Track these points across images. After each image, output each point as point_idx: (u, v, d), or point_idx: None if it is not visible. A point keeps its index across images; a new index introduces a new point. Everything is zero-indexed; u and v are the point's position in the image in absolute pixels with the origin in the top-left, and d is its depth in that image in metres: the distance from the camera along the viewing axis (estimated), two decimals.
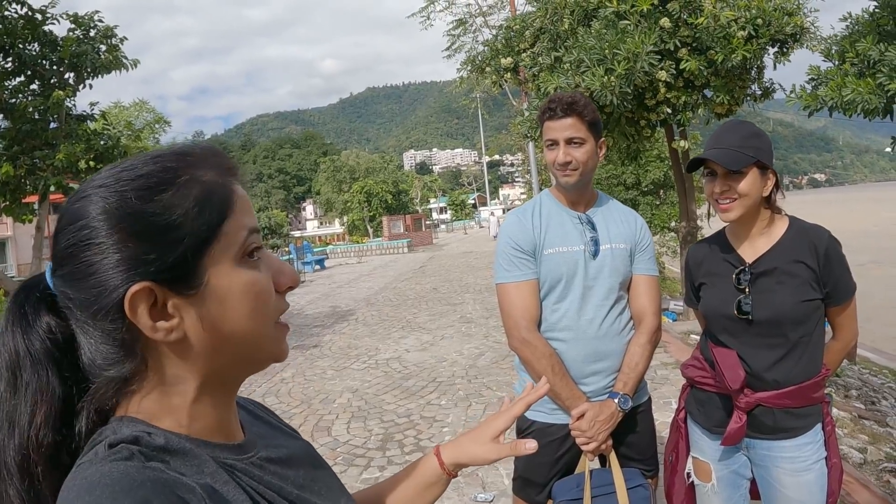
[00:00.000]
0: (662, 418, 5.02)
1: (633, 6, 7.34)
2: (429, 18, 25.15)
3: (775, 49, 7.58)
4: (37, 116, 9.57)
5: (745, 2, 7.04)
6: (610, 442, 2.58)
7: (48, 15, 9.30)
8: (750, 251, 2.43)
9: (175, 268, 0.80)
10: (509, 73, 10.16)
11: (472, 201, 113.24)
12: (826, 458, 2.42)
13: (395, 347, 10.28)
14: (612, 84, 7.00)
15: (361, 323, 12.92)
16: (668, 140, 9.72)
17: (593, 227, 2.68)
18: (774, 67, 7.75)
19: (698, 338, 2.71)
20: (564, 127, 2.57)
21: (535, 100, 9.17)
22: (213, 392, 0.89)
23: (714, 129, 2.43)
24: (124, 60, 10.08)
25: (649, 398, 2.85)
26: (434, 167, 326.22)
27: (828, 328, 2.51)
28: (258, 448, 0.95)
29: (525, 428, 2.76)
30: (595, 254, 2.64)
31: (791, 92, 6.33)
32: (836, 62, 6.09)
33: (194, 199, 0.82)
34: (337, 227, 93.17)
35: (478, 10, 25.17)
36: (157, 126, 37.37)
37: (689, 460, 2.68)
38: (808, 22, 7.26)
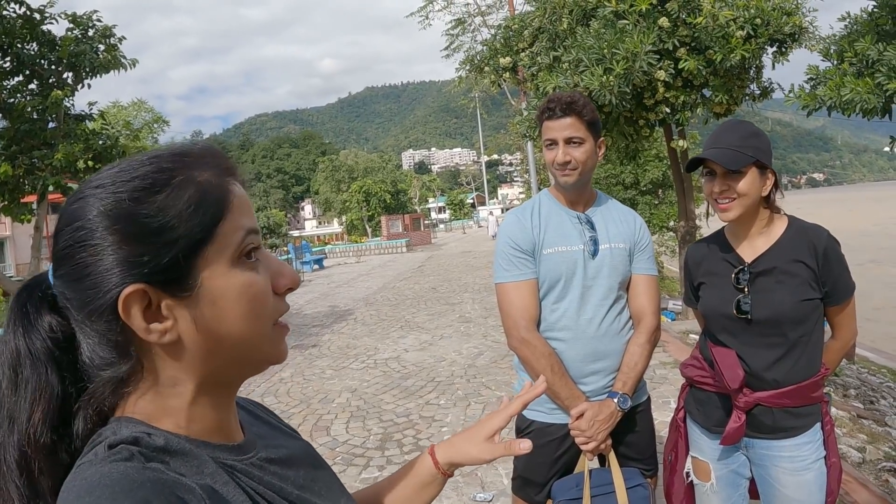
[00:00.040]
0: (661, 418, 5.02)
1: (631, 6, 7.34)
2: (427, 18, 25.14)
3: (774, 49, 7.59)
4: (35, 116, 9.56)
5: (744, 1, 7.05)
6: (609, 441, 2.58)
7: (47, 14, 9.29)
8: (749, 251, 2.43)
9: (168, 270, 0.80)
10: (508, 73, 10.17)
11: (471, 201, 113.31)
12: (825, 457, 2.42)
13: (393, 347, 10.28)
14: (611, 84, 7.00)
15: (360, 322, 12.92)
16: (666, 139, 9.73)
17: (592, 227, 2.68)
18: (773, 67, 7.75)
19: (697, 337, 2.72)
20: (563, 126, 2.57)
21: (533, 99, 9.16)
22: (212, 393, 0.88)
23: (713, 129, 2.43)
24: (123, 60, 10.07)
25: (648, 398, 2.85)
26: (433, 167, 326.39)
27: (827, 327, 2.51)
28: (258, 449, 0.95)
29: (524, 427, 2.76)
30: (594, 253, 2.64)
31: (790, 92, 6.33)
32: (835, 62, 6.09)
33: (188, 200, 0.82)
34: (335, 227, 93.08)
35: (476, 10, 25.16)
36: (155, 126, 37.38)
37: (689, 460, 2.69)
38: (807, 21, 7.27)
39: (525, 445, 1.22)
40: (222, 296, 0.83)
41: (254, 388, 8.17)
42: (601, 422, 2.52)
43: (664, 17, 7.24)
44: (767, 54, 7.64)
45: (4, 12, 8.89)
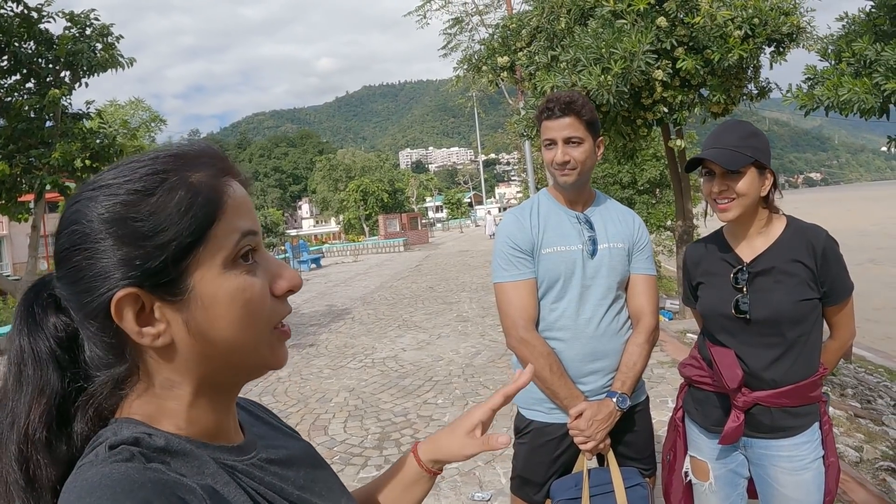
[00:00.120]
0: (659, 417, 5.03)
1: (629, 5, 7.36)
2: (425, 17, 25.16)
3: (772, 48, 7.61)
4: (32, 115, 9.54)
5: (742, 1, 7.06)
6: (608, 441, 2.59)
7: (44, 13, 9.27)
8: (748, 250, 2.43)
9: (160, 273, 0.79)
10: (506, 72, 10.18)
11: (468, 200, 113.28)
12: (823, 456, 2.42)
13: (391, 346, 10.27)
14: (609, 83, 7.01)
15: (358, 322, 12.92)
16: (664, 139, 9.74)
17: (591, 227, 2.68)
18: (771, 67, 7.77)
19: (695, 336, 2.73)
20: (562, 126, 2.57)
21: (531, 99, 9.18)
22: (211, 396, 0.88)
23: (710, 129, 2.44)
24: (120, 59, 10.05)
25: (647, 397, 2.85)
26: (430, 166, 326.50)
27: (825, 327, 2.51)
28: (258, 449, 0.95)
29: (523, 427, 2.76)
30: (593, 253, 2.64)
31: (787, 91, 6.34)
32: (833, 62, 6.10)
33: (178, 202, 0.81)
34: (333, 226, 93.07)
35: (474, 9, 25.18)
36: (153, 125, 37.32)
37: (687, 459, 2.69)
38: (805, 21, 7.28)
39: (503, 440, 1.18)
40: (215, 300, 0.83)
41: (251, 388, 8.16)
42: (600, 421, 2.52)
43: (662, 17, 7.25)
44: (765, 54, 7.66)
45: (2, 11, 8.87)
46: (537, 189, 22.66)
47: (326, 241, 60.70)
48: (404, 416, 6.67)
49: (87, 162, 9.77)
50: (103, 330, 0.81)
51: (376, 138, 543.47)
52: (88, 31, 9.78)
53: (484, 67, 10.48)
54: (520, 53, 9.34)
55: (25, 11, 9.08)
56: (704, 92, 8.22)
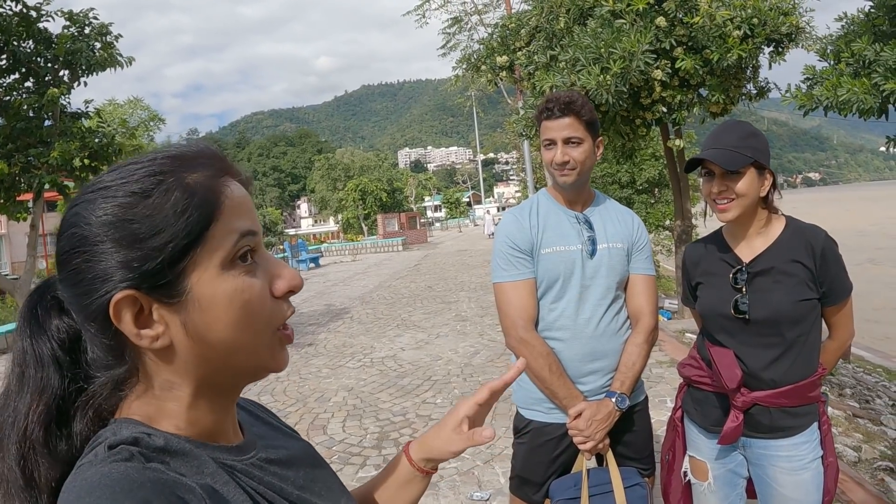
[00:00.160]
0: (658, 417, 5.03)
1: (628, 5, 7.36)
2: (424, 16, 25.16)
3: (771, 48, 7.61)
4: (31, 114, 9.53)
5: (741, 1, 7.06)
6: (607, 441, 2.59)
7: (43, 12, 9.26)
8: (747, 251, 2.43)
9: (157, 275, 0.79)
10: (505, 72, 10.18)
11: (467, 199, 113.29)
12: (822, 456, 2.42)
13: (390, 346, 10.27)
14: (608, 83, 7.02)
15: (356, 321, 12.91)
16: (663, 139, 9.75)
17: (591, 227, 2.68)
18: (770, 67, 7.78)
19: (693, 336, 2.73)
20: (562, 126, 2.57)
21: (530, 98, 9.18)
22: (210, 398, 0.88)
23: (709, 129, 2.44)
24: (119, 58, 10.04)
25: (646, 397, 2.86)
26: (429, 165, 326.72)
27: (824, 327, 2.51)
28: (258, 449, 0.95)
29: (522, 427, 2.77)
30: (592, 253, 2.64)
31: (786, 91, 6.34)
32: (832, 62, 6.10)
33: (174, 203, 0.80)
34: (332, 225, 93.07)
35: (473, 9, 25.20)
36: (151, 124, 37.29)
37: (686, 459, 2.69)
38: (804, 21, 7.29)
39: (487, 434, 1.17)
40: (213, 301, 0.82)
41: (250, 387, 8.12)
42: (599, 421, 2.52)
43: (661, 17, 7.26)
44: (764, 54, 7.66)
45: (1, 9, 8.86)
46: (536, 188, 22.66)
47: (325, 240, 60.76)
48: (403, 416, 6.67)
49: (86, 161, 9.77)
50: (103, 332, 0.81)
51: (375, 137, 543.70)
52: (87, 30, 9.77)
53: (483, 67, 10.49)
54: (519, 53, 9.35)
55: (24, 10, 9.08)
56: (703, 92, 8.23)
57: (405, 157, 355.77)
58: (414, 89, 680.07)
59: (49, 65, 9.64)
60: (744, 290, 2.39)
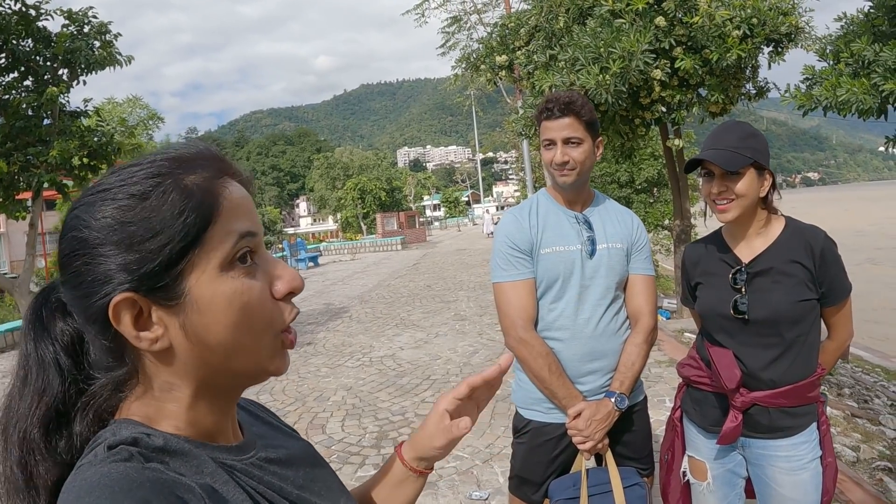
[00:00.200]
0: (656, 416, 5.03)
1: (628, 5, 7.36)
2: (423, 16, 25.16)
3: (770, 48, 7.61)
4: (30, 113, 9.51)
5: (741, 1, 7.07)
6: (606, 441, 2.59)
7: (42, 11, 9.24)
8: (746, 251, 2.43)
9: (155, 278, 0.79)
10: (504, 71, 10.18)
11: (466, 198, 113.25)
12: (821, 457, 2.43)
13: (389, 345, 10.27)
14: (607, 82, 7.02)
15: (355, 320, 12.91)
16: (662, 138, 9.76)
17: (590, 227, 2.69)
18: (769, 67, 7.78)
19: (692, 336, 2.74)
20: (562, 127, 2.57)
21: (529, 98, 9.18)
22: (210, 399, 0.88)
23: (708, 128, 2.44)
24: (118, 57, 10.03)
25: (645, 397, 2.86)
26: (428, 164, 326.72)
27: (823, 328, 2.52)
28: (257, 449, 0.95)
29: (521, 427, 2.77)
30: (592, 253, 2.64)
31: (786, 91, 6.34)
32: (831, 62, 6.10)
33: (171, 205, 0.80)
34: (330, 224, 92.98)
35: (472, 8, 25.18)
36: (150, 122, 37.34)
37: (685, 459, 2.69)
38: (803, 21, 7.29)
39: (463, 424, 1.17)
40: (211, 303, 0.82)
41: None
42: (598, 421, 2.52)
43: (661, 17, 7.26)
44: (763, 54, 7.67)
45: (0, 8, 8.85)
46: (535, 188, 22.68)
47: (324, 239, 60.75)
48: (402, 415, 6.67)
49: (85, 160, 9.76)
50: (103, 333, 0.81)
51: (374, 136, 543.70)
52: (86, 29, 9.76)
53: (482, 66, 10.48)
54: (518, 52, 9.35)
55: (24, 9, 9.06)
56: (703, 91, 8.23)
57: (404, 156, 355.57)
58: (413, 88, 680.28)
59: (48, 63, 9.63)
60: (743, 290, 2.39)
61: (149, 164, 0.84)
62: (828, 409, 5.31)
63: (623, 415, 2.61)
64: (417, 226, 47.36)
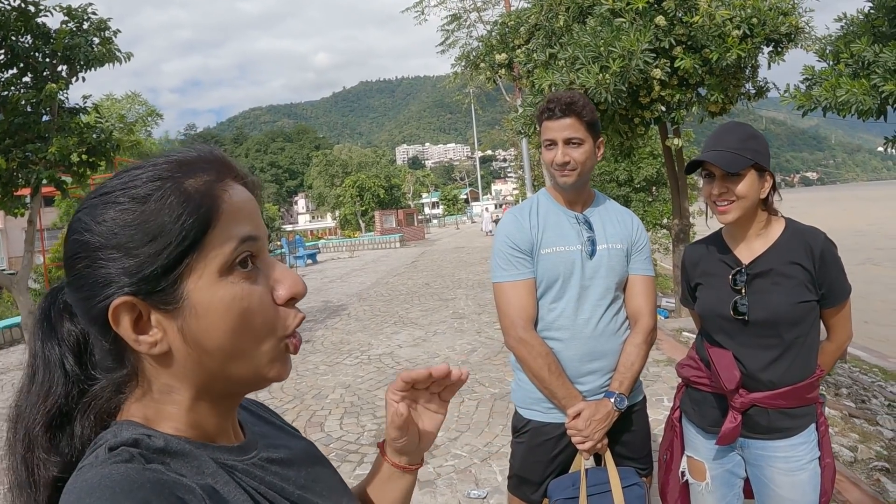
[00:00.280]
0: (654, 415, 5.02)
1: (628, 4, 7.36)
2: (423, 13, 25.15)
3: (770, 48, 7.61)
4: (29, 109, 9.49)
5: (741, 1, 7.07)
6: (605, 441, 2.59)
7: (41, 7, 9.22)
8: (746, 252, 2.43)
9: (153, 282, 0.79)
10: (503, 70, 10.18)
11: (465, 196, 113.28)
12: (819, 458, 2.43)
13: (387, 343, 10.27)
14: (607, 81, 7.02)
15: (353, 318, 12.91)
16: (661, 137, 9.76)
17: (590, 227, 2.69)
18: (769, 67, 7.79)
19: (690, 335, 2.74)
20: (563, 127, 2.57)
21: (529, 96, 9.18)
22: (211, 402, 0.88)
23: (708, 128, 2.45)
24: (117, 53, 10.01)
25: (644, 397, 2.86)
26: (426, 162, 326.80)
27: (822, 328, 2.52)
28: (259, 449, 0.95)
29: (521, 427, 2.77)
30: (592, 254, 2.65)
31: (785, 91, 6.34)
32: (831, 62, 6.10)
33: (170, 209, 0.80)
34: (329, 222, 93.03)
35: (472, 6, 25.17)
36: (149, 119, 37.30)
37: (684, 459, 2.70)
38: (803, 22, 7.29)
39: (401, 409, 1.13)
40: (209, 309, 0.81)
41: None
42: (598, 421, 2.52)
43: (661, 16, 7.26)
44: (763, 54, 7.68)
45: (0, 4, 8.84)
46: (534, 186, 22.69)
47: (322, 236, 60.71)
48: None
49: (84, 157, 9.75)
50: (103, 335, 0.82)
51: (373, 134, 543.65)
52: (86, 26, 9.74)
53: (482, 64, 10.49)
54: (518, 51, 9.35)
55: (23, 5, 9.05)
56: (702, 91, 8.24)
57: (403, 153, 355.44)
58: (412, 86, 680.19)
59: (47, 60, 9.61)
60: (743, 291, 2.39)
61: (151, 167, 0.84)
62: (826, 409, 5.32)
63: (622, 415, 2.61)
64: (416, 223, 47.34)
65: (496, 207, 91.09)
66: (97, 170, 10.31)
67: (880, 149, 6.39)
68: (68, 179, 10.18)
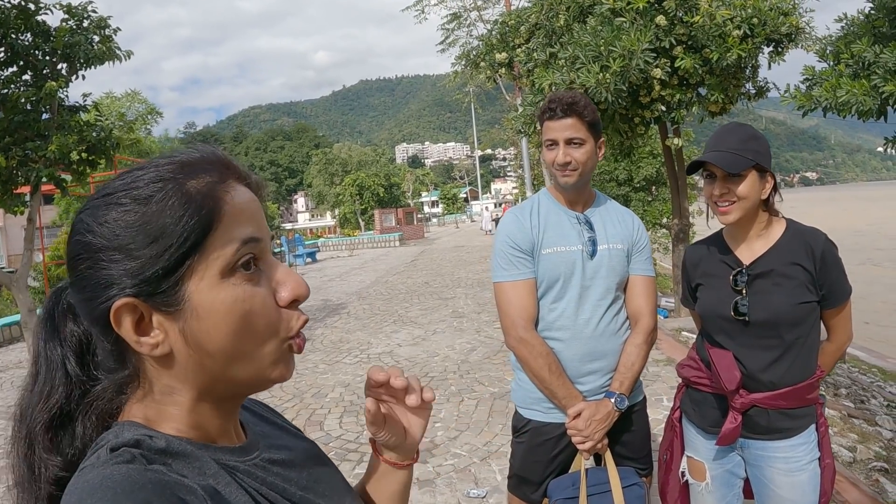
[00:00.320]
0: (654, 415, 5.02)
1: (628, 3, 7.36)
2: (423, 12, 25.15)
3: (770, 48, 7.61)
4: (29, 107, 9.47)
5: (741, 1, 7.07)
6: (605, 441, 2.60)
7: (41, 5, 9.20)
8: (747, 253, 2.44)
9: (155, 283, 0.79)
10: (504, 69, 10.18)
11: (464, 195, 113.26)
12: (819, 458, 2.44)
13: (386, 342, 10.27)
14: (607, 81, 7.02)
15: (353, 317, 12.91)
16: (661, 137, 9.76)
17: (591, 227, 2.69)
18: (769, 67, 7.78)
19: (689, 335, 2.74)
20: (564, 127, 2.57)
21: (529, 95, 9.18)
22: (212, 403, 0.88)
23: (708, 128, 2.45)
24: (117, 51, 9.99)
25: (644, 397, 2.87)
26: (426, 161, 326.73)
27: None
28: (261, 449, 0.95)
29: (521, 426, 2.77)
30: (593, 254, 2.65)
31: (785, 92, 6.34)
32: (831, 63, 6.10)
33: (172, 211, 0.79)
34: (328, 220, 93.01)
35: (472, 5, 25.15)
36: (149, 117, 37.29)
37: (684, 459, 2.70)
38: (804, 22, 7.29)
39: (370, 406, 1.11)
40: (210, 311, 0.81)
41: None
42: (598, 421, 2.52)
43: (661, 16, 7.26)
44: (764, 54, 7.68)
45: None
46: (533, 185, 22.68)
47: (322, 235, 60.68)
48: None
49: (84, 155, 9.75)
50: (105, 336, 0.82)
51: (373, 133, 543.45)
52: (86, 24, 9.72)
53: (482, 63, 10.49)
54: (518, 50, 9.35)
55: (23, 3, 9.04)
56: (702, 91, 8.23)
57: (403, 152, 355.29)
58: (412, 85, 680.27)
59: (47, 58, 9.59)
60: (744, 292, 2.39)
61: (153, 168, 0.83)
62: (827, 410, 5.32)
63: (622, 415, 2.62)
64: (415, 222, 47.34)
65: (496, 206, 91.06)
66: (97, 168, 10.31)
67: (880, 149, 6.38)
68: (68, 177, 10.17)
